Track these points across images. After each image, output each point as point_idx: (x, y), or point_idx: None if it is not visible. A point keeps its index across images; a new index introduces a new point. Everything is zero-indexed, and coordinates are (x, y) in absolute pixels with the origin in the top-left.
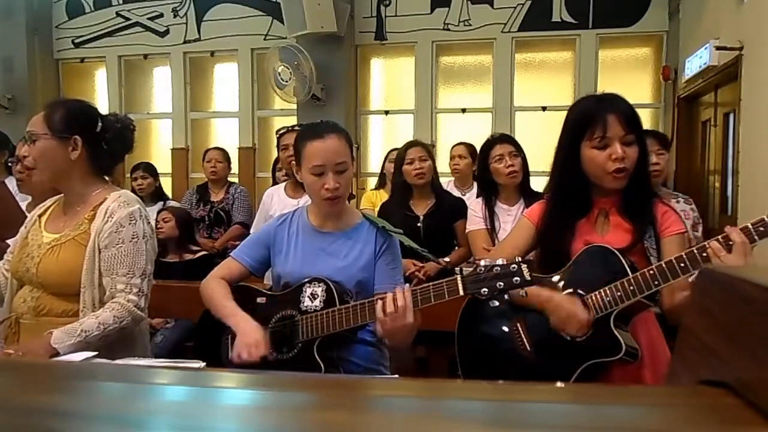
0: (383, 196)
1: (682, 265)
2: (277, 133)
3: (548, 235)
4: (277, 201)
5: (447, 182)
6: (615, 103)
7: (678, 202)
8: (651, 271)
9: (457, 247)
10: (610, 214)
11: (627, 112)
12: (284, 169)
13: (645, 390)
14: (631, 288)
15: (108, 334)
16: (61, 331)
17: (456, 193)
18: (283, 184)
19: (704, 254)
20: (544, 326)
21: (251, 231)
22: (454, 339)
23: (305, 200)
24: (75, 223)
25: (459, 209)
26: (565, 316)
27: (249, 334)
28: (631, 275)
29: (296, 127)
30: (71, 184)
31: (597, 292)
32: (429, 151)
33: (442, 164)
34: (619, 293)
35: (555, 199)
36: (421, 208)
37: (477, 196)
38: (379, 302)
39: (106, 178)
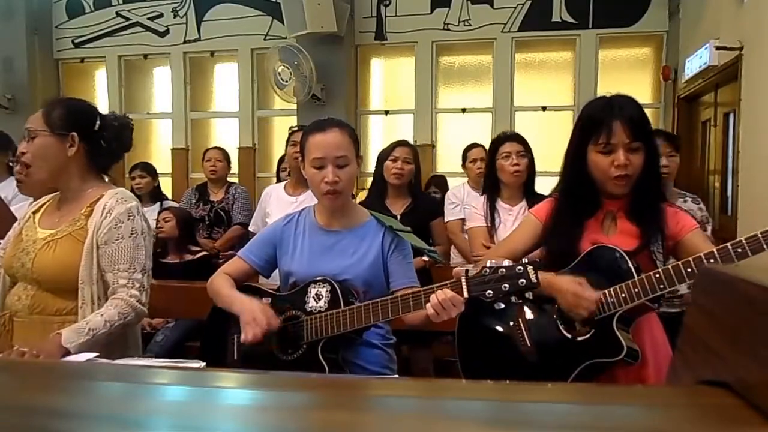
0: None
1: (689, 270)
2: (289, 129)
3: (555, 232)
4: (275, 198)
5: (460, 184)
6: (624, 109)
7: (685, 201)
8: (657, 275)
9: (434, 246)
10: (617, 217)
11: (634, 120)
12: (289, 165)
13: (645, 390)
14: (636, 290)
15: (113, 331)
16: (70, 330)
17: (473, 194)
18: (284, 182)
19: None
20: (546, 324)
21: (250, 228)
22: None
23: (303, 198)
24: (71, 218)
25: (435, 208)
26: (571, 298)
27: (248, 313)
28: (636, 277)
29: None
30: (68, 180)
31: (601, 293)
32: (416, 155)
33: (444, 164)
34: (623, 295)
35: (564, 197)
36: (397, 206)
37: (481, 194)
38: (433, 296)
39: (105, 177)
